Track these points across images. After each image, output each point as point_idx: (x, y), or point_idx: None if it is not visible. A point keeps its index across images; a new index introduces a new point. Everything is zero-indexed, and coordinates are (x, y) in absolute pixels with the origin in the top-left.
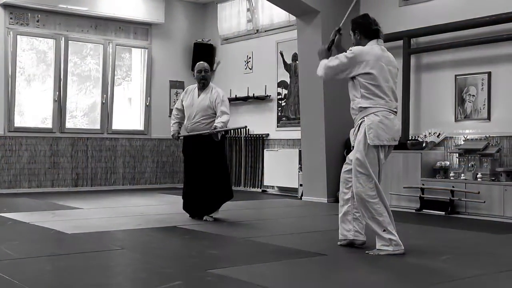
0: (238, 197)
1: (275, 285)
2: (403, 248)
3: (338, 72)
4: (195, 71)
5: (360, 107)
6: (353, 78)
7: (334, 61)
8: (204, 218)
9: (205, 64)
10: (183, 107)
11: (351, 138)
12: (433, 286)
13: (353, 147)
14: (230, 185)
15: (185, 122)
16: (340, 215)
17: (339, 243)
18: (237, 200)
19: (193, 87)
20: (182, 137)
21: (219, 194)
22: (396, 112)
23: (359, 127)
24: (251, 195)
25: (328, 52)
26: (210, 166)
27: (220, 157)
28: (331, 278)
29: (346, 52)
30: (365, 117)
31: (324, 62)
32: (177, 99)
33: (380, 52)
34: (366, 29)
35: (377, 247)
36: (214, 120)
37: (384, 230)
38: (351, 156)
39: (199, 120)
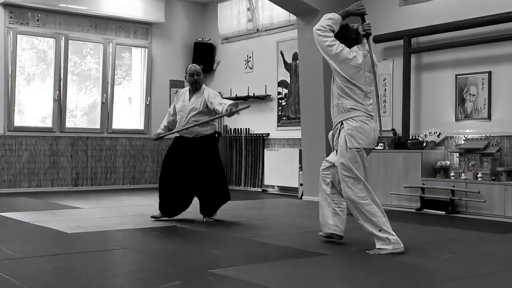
0: (239, 197)
1: (276, 285)
2: (402, 246)
3: (325, 41)
4: (187, 74)
5: (339, 108)
6: (333, 77)
7: (328, 34)
8: (204, 219)
9: (197, 67)
10: (175, 112)
11: (330, 140)
12: (433, 286)
13: (334, 148)
14: (227, 187)
15: (177, 126)
16: (320, 210)
17: (320, 233)
18: (238, 200)
19: (184, 90)
20: (164, 137)
21: (218, 196)
22: (373, 116)
23: (339, 131)
24: (252, 195)
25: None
26: (208, 168)
27: (216, 159)
28: (331, 278)
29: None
30: (344, 122)
31: (326, 19)
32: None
33: (362, 58)
34: (348, 40)
35: (376, 247)
36: (208, 122)
37: (380, 230)
38: (330, 158)
39: (191, 123)
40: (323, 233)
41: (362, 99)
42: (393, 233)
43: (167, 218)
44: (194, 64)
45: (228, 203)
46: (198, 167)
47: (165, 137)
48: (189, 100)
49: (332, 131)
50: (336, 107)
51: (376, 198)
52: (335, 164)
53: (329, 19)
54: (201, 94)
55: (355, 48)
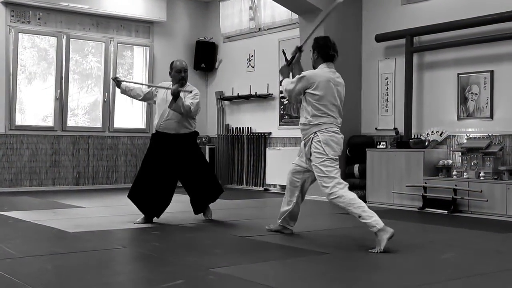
0: (240, 196)
1: (278, 284)
2: (382, 225)
3: (297, 94)
4: (174, 70)
5: (311, 123)
6: (305, 96)
7: (291, 85)
8: (206, 218)
9: (184, 63)
10: (144, 95)
11: (302, 148)
12: (436, 285)
13: (305, 156)
14: (217, 180)
15: (156, 120)
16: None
17: (266, 227)
18: (239, 199)
19: (168, 84)
20: (121, 81)
21: (210, 190)
22: (340, 126)
23: (312, 140)
24: (253, 194)
25: (289, 68)
26: (195, 164)
27: (201, 155)
28: (333, 277)
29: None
30: (317, 132)
31: (285, 84)
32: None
33: (330, 74)
34: (324, 52)
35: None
36: (187, 120)
37: (359, 217)
38: (300, 163)
39: (172, 117)
40: (272, 227)
41: (332, 111)
42: (371, 215)
43: (150, 224)
44: (180, 60)
45: (230, 202)
46: (184, 163)
47: (121, 82)
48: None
49: (303, 142)
50: (307, 122)
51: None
52: (307, 169)
53: (284, 78)
54: (189, 89)
55: (324, 65)
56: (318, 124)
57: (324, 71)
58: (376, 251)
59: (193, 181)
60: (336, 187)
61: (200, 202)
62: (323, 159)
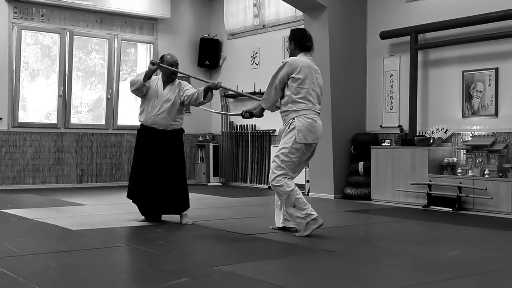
0: (245, 194)
1: (282, 282)
2: (316, 216)
3: (281, 82)
4: (165, 63)
5: (291, 108)
6: (286, 83)
7: (269, 88)
8: (185, 222)
9: (176, 58)
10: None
11: (280, 135)
12: (441, 282)
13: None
14: (187, 193)
15: (145, 115)
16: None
17: (270, 226)
18: (243, 197)
19: (156, 78)
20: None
21: (178, 198)
22: (319, 113)
23: (290, 126)
24: (257, 192)
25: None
26: (171, 164)
27: (181, 157)
28: (338, 275)
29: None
30: (295, 118)
31: (265, 97)
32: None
33: (309, 61)
34: (301, 43)
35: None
36: (181, 117)
37: (294, 206)
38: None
39: (163, 113)
40: (275, 226)
41: (312, 97)
42: (306, 208)
43: (153, 222)
44: (171, 54)
45: (233, 199)
46: (163, 160)
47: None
48: (163, 90)
49: (283, 127)
50: (286, 108)
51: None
52: None
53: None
54: (176, 85)
55: (303, 54)
56: (297, 110)
57: (303, 58)
58: (298, 235)
59: (165, 182)
60: (283, 175)
61: (162, 206)
62: (287, 150)
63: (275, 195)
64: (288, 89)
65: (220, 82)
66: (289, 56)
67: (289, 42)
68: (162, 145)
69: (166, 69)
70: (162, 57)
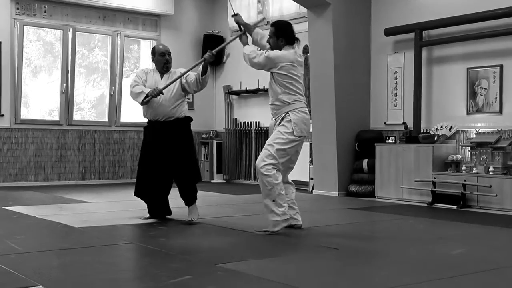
0: (248, 191)
1: (286, 280)
2: (287, 218)
3: (261, 67)
4: (157, 53)
5: (283, 102)
6: (272, 76)
7: (257, 58)
8: (187, 219)
9: (167, 47)
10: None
11: (271, 130)
12: (446, 280)
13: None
14: (198, 169)
15: (147, 109)
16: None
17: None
18: (247, 194)
19: (150, 70)
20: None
21: (191, 180)
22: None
23: (283, 119)
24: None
25: (245, 35)
26: (181, 153)
27: (190, 144)
28: (342, 273)
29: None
30: (289, 112)
31: (249, 51)
32: (136, 82)
33: (294, 55)
34: (289, 37)
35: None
36: (181, 104)
37: (273, 201)
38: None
39: (163, 103)
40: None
41: (300, 90)
42: (284, 207)
43: (156, 219)
44: (162, 44)
45: (236, 197)
46: (172, 153)
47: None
48: (161, 80)
49: (273, 121)
50: (279, 102)
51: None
52: None
53: (244, 46)
54: (172, 74)
55: (289, 46)
56: (290, 103)
57: (290, 53)
58: (268, 231)
59: (179, 171)
60: (273, 166)
61: (183, 192)
62: (283, 140)
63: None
64: (276, 83)
65: (210, 50)
66: (271, 49)
67: (276, 38)
68: (167, 137)
69: (220, 49)
70: (154, 48)
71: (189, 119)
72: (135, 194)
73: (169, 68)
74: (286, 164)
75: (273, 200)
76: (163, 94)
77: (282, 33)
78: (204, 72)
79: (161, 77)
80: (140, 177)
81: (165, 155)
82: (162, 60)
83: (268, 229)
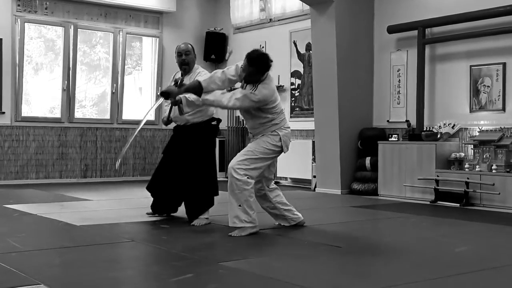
0: None
1: (289, 278)
2: (256, 225)
3: (250, 107)
4: (176, 53)
5: (272, 123)
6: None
7: (239, 101)
8: (192, 223)
9: (188, 46)
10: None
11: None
12: (449, 278)
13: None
14: (213, 184)
15: (171, 111)
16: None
17: (275, 222)
18: None
19: (176, 73)
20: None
21: (199, 196)
22: None
23: (268, 135)
24: None
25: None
26: (192, 162)
27: (204, 152)
28: (345, 270)
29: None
30: (276, 130)
31: (218, 100)
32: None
33: (273, 81)
34: (268, 68)
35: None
36: (200, 110)
37: (239, 206)
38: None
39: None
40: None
41: (281, 111)
42: (251, 214)
43: (159, 217)
44: (184, 43)
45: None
46: (183, 160)
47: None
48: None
49: (254, 138)
50: (265, 120)
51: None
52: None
53: (219, 95)
54: (194, 76)
55: (267, 75)
56: (277, 123)
57: (271, 80)
58: (234, 235)
59: (184, 181)
60: (247, 173)
61: (187, 206)
62: (267, 151)
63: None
64: (263, 111)
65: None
66: (245, 76)
67: (257, 71)
68: (182, 142)
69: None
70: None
71: (207, 124)
72: (146, 188)
73: (186, 69)
74: (262, 174)
75: (240, 206)
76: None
77: (266, 67)
78: (181, 111)
79: (183, 78)
80: (154, 173)
81: (178, 159)
82: (179, 60)
83: (237, 233)
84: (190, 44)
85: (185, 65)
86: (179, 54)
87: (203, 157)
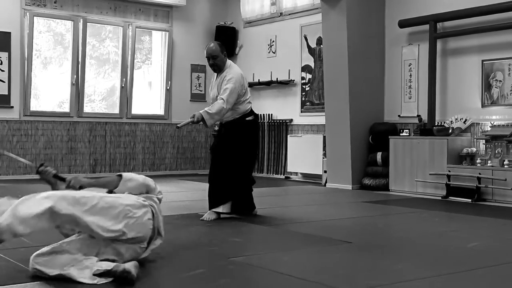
0: (261, 184)
1: (299, 273)
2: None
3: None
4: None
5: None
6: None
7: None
8: (202, 218)
9: (213, 49)
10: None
11: None
12: (462, 273)
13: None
14: (237, 182)
15: None
16: None
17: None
18: (260, 187)
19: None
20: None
21: (222, 190)
22: None
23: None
24: (274, 182)
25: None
26: (223, 157)
27: (234, 147)
28: (356, 266)
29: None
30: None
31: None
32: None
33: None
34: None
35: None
36: (232, 107)
37: None
38: None
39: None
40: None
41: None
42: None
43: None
44: (210, 45)
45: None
46: (214, 154)
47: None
48: (215, 80)
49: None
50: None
51: None
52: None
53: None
54: (224, 76)
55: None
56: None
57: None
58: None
59: (216, 172)
60: None
61: (213, 196)
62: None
63: None
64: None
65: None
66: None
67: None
68: (218, 138)
69: None
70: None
71: (241, 120)
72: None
73: (215, 70)
74: None
75: None
76: None
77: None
78: (206, 125)
79: (216, 78)
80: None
81: (214, 155)
82: (209, 64)
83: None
84: (218, 44)
85: (214, 67)
86: (207, 58)
87: (230, 151)
